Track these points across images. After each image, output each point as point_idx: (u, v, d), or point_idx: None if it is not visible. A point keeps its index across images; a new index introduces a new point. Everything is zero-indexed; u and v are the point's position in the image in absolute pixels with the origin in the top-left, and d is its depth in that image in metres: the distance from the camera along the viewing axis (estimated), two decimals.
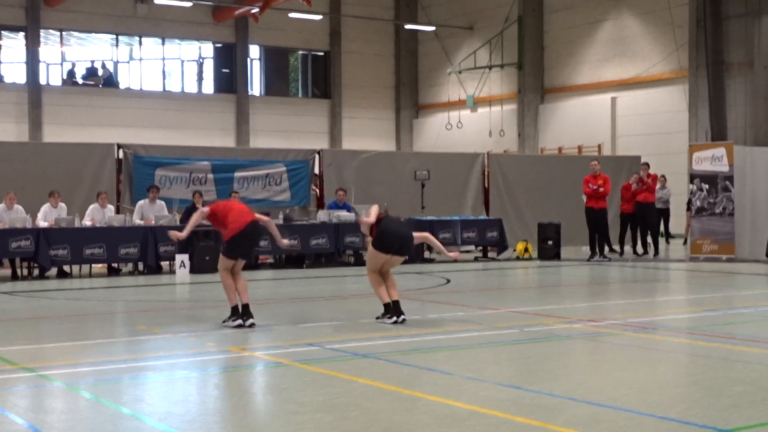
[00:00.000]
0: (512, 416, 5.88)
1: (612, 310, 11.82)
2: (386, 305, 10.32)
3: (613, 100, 31.51)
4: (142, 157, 19.76)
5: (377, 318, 10.37)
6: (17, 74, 32.95)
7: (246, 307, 9.98)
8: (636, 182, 21.00)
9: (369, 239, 10.47)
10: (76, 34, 34.22)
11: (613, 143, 31.35)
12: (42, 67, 33.08)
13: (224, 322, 10.08)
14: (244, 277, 10.26)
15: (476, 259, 21.12)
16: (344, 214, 19.03)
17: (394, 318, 10.17)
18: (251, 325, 9.83)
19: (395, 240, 10.34)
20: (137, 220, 17.73)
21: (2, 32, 33.06)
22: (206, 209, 10.38)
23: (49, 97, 32.61)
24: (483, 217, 22.12)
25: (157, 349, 8.92)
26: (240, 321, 9.91)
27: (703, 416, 5.87)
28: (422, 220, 20.16)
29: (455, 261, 10.45)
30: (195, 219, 10.31)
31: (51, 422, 5.85)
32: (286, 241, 10.76)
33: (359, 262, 19.67)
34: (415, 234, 10.73)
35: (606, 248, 20.53)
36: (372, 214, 10.42)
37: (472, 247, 21.90)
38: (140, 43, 34.91)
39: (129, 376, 7.43)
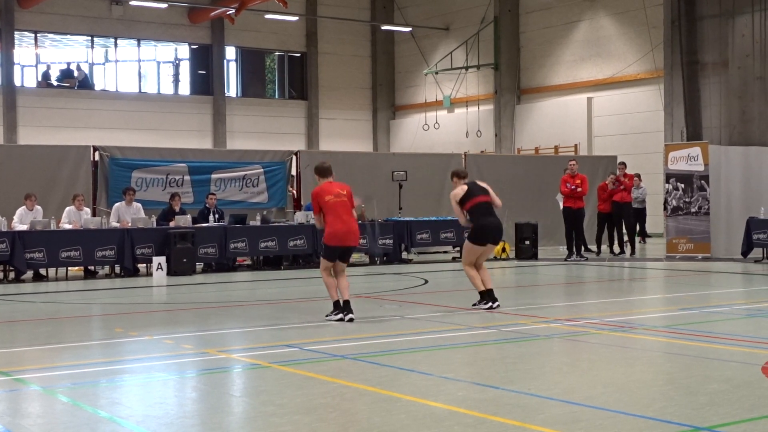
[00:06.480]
0: (490, 416, 5.89)
1: (589, 309, 11.87)
2: (482, 293, 11.26)
3: (589, 100, 31.65)
4: (118, 159, 19.66)
5: (473, 305, 11.32)
6: None
7: (347, 303, 10.42)
8: (612, 182, 21.11)
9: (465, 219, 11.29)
10: (50, 35, 33.98)
11: (589, 143, 31.48)
12: (17, 69, 32.83)
13: (327, 316, 10.54)
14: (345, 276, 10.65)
15: (454, 259, 21.14)
16: None
17: (490, 303, 11.16)
18: (350, 320, 10.26)
19: (490, 231, 11.29)
20: (113, 223, 17.64)
21: None
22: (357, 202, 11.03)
23: (24, 99, 32.34)
24: None
25: (134, 351, 8.87)
26: (341, 315, 10.37)
27: (680, 414, 5.90)
28: (400, 220, 20.19)
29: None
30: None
31: (27, 426, 5.81)
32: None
33: None
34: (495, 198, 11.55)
35: (582, 248, 20.64)
36: (457, 197, 11.31)
37: (450, 248, 21.93)
38: (116, 44, 34.70)
39: (106, 380, 7.39)
